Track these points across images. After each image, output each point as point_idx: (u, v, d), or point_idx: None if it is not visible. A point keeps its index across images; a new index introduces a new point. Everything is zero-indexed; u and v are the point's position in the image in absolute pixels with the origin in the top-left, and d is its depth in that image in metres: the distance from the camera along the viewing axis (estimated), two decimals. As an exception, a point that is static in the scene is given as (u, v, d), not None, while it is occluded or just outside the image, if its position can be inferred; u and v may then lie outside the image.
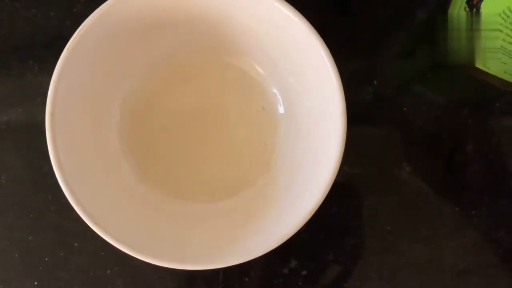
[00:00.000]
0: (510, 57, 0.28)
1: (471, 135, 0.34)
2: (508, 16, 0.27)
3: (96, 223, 0.24)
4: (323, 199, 0.25)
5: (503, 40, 0.27)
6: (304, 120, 0.30)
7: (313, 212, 0.26)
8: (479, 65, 0.30)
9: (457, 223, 0.33)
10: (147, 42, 0.30)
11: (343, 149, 0.25)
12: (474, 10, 0.28)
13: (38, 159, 0.33)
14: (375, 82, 0.33)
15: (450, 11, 0.32)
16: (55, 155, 0.25)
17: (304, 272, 0.33)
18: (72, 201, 0.25)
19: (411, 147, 0.34)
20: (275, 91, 0.32)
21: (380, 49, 0.34)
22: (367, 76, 0.34)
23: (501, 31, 0.27)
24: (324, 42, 0.25)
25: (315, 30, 0.25)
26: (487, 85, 0.31)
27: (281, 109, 0.32)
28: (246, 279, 0.33)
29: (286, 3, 0.26)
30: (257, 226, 0.28)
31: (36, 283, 0.33)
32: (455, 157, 0.34)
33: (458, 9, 0.30)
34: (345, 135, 0.25)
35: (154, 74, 0.32)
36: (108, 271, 0.33)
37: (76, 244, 0.33)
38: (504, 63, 0.29)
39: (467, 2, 0.28)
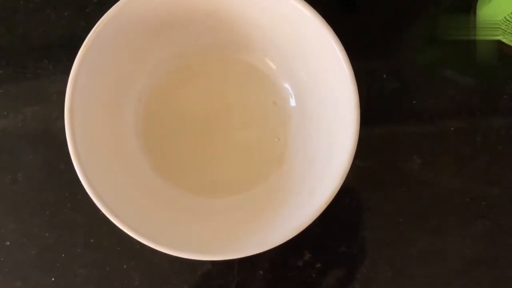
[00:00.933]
0: None
1: (480, 127, 0.34)
2: None
3: (116, 215, 0.25)
4: (337, 191, 0.26)
5: None
6: (316, 113, 0.30)
7: (327, 204, 0.26)
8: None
9: (467, 213, 0.33)
10: (159, 39, 0.30)
11: (356, 142, 0.25)
12: None
13: (54, 157, 0.33)
14: (384, 75, 0.34)
15: (478, 11, 0.33)
16: (74, 149, 0.25)
17: (318, 265, 0.33)
18: (91, 194, 0.25)
19: (421, 140, 0.34)
20: (286, 85, 0.32)
21: (387, 44, 0.34)
22: (375, 71, 0.34)
23: None
24: (335, 34, 0.26)
25: (326, 22, 0.26)
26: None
27: (292, 102, 0.32)
28: (261, 272, 0.33)
29: None
30: (272, 218, 0.28)
31: (53, 279, 0.33)
32: (464, 149, 0.34)
33: (486, 7, 0.32)
34: (358, 127, 0.25)
35: (167, 71, 0.32)
36: (125, 266, 0.33)
37: (92, 240, 0.33)
38: None
39: None
